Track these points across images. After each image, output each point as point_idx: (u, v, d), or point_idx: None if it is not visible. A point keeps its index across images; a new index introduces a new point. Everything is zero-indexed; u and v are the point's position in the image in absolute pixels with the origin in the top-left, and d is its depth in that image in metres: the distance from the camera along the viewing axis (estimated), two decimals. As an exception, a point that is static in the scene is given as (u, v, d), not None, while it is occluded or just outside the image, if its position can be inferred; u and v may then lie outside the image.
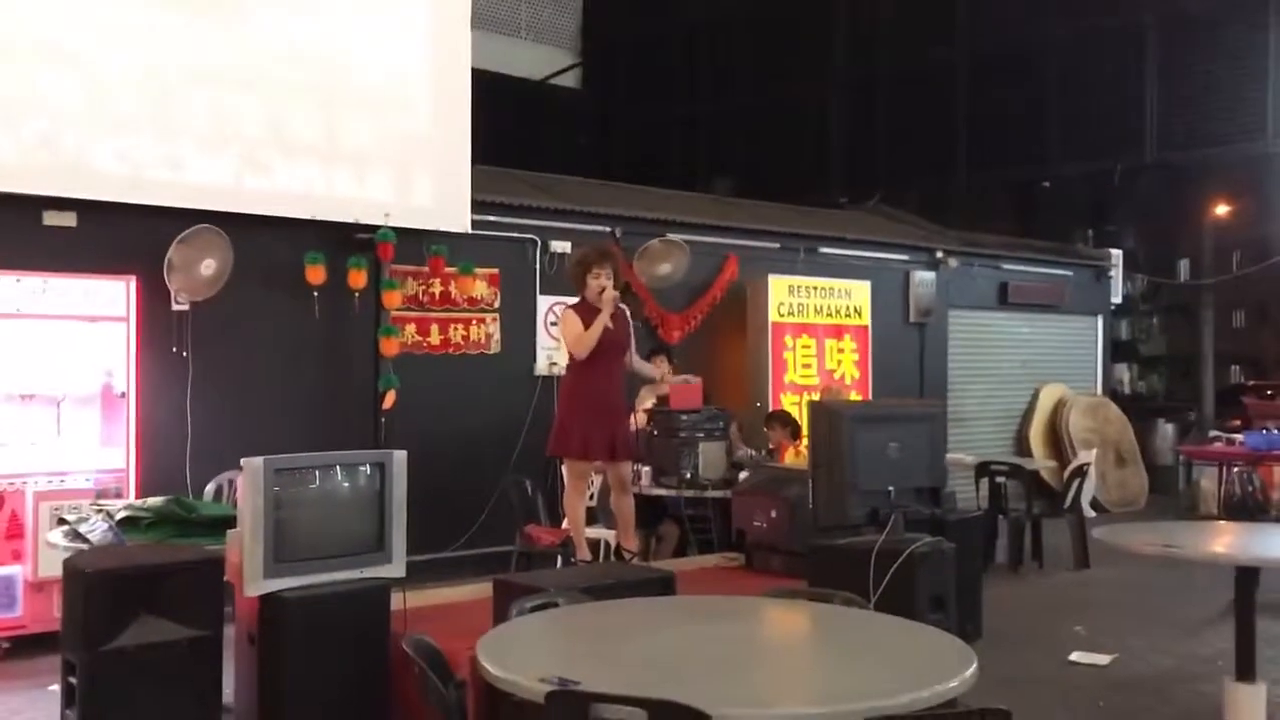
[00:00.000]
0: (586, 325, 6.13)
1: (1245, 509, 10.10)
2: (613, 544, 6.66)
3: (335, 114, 7.82)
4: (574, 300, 6.41)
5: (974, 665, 2.93)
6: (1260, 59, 12.90)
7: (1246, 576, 5.20)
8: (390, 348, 7.95)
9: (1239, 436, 11.87)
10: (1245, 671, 5.19)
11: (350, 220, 7.84)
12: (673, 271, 9.43)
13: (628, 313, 6.45)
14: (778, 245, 10.71)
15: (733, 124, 17.03)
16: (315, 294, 7.68)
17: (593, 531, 6.87)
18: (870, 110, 16.08)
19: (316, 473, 4.72)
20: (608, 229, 9.33)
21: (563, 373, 8.69)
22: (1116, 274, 13.83)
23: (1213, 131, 13.48)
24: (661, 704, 2.51)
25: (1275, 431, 11.73)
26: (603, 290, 6.15)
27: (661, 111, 17.54)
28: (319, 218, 7.68)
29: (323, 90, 7.77)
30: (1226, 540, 5.80)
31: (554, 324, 8.92)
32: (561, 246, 9.00)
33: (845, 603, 3.80)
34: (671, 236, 9.57)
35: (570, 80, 18.14)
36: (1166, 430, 15.33)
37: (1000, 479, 9.21)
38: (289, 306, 7.68)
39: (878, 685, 2.83)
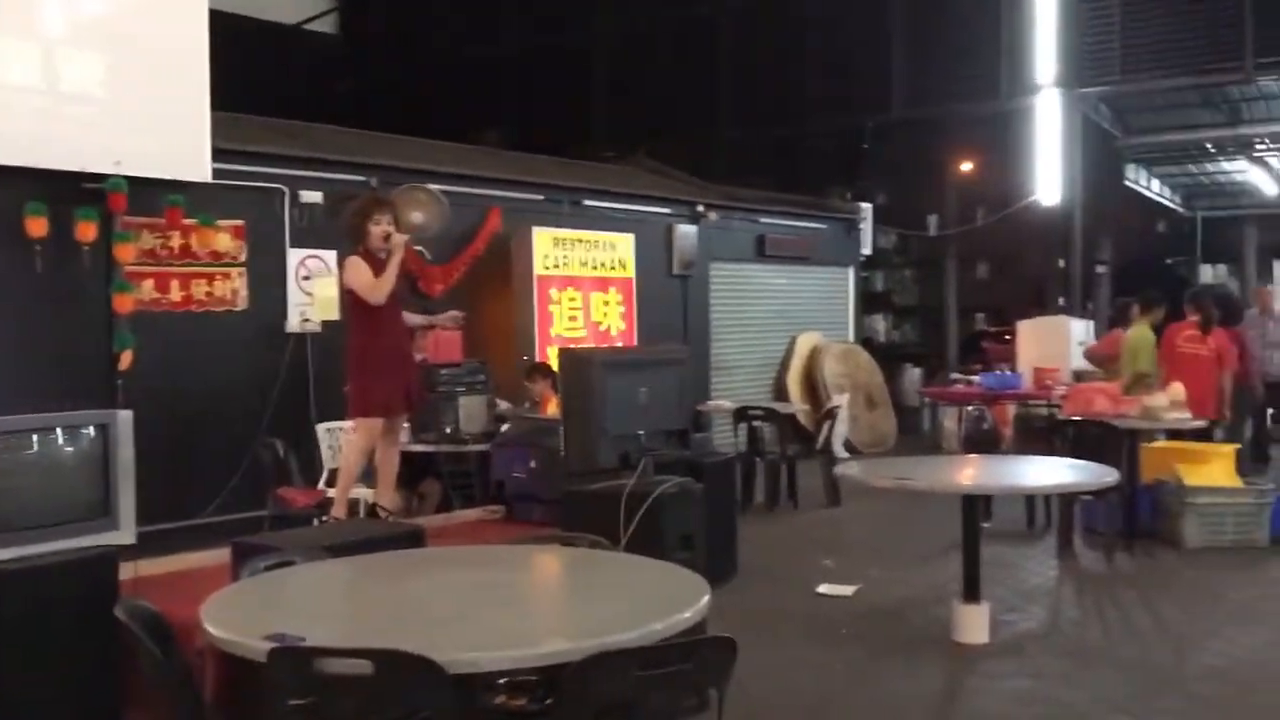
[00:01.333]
0: (376, 274, 5.94)
1: (981, 444, 10.79)
2: (370, 503, 6.50)
3: (56, 52, 7.22)
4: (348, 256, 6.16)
5: (706, 597, 2.99)
6: (993, 21, 13.68)
7: (971, 503, 5.56)
8: (124, 304, 7.46)
9: (976, 378, 12.70)
10: (971, 593, 5.57)
11: (76, 169, 7.27)
12: (426, 222, 9.17)
13: (413, 267, 6.28)
14: (542, 197, 10.66)
15: (499, 75, 16.81)
16: (38, 248, 7.11)
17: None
18: (636, 64, 16.19)
19: (34, 436, 4.38)
20: (363, 179, 9.03)
21: (318, 330, 8.49)
22: (867, 227, 14.46)
23: (954, 90, 14.24)
24: (387, 653, 2.45)
25: (1008, 373, 12.62)
26: (387, 236, 5.97)
27: (425, 61, 17.11)
28: (40, 165, 7.09)
29: (41, 25, 7.16)
30: (955, 472, 6.20)
31: (306, 278, 8.59)
32: (312, 197, 8.66)
33: (592, 545, 3.82)
34: (424, 185, 9.33)
35: (327, 25, 17.44)
36: (914, 374, 16.25)
37: (758, 423, 9.52)
38: (7, 261, 7.09)
39: (616, 621, 2.86)
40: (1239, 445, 8.98)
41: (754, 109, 15.30)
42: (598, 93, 16.43)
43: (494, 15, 17.00)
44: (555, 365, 8.85)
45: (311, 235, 8.62)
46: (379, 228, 6.01)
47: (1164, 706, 4.66)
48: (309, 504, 6.72)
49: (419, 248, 8.91)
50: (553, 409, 7.98)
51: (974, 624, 5.50)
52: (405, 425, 7.24)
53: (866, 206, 14.64)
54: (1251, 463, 10.44)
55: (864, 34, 14.50)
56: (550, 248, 10.21)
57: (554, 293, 10.25)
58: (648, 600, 3.15)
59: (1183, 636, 5.64)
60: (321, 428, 7.67)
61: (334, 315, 8.30)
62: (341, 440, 7.34)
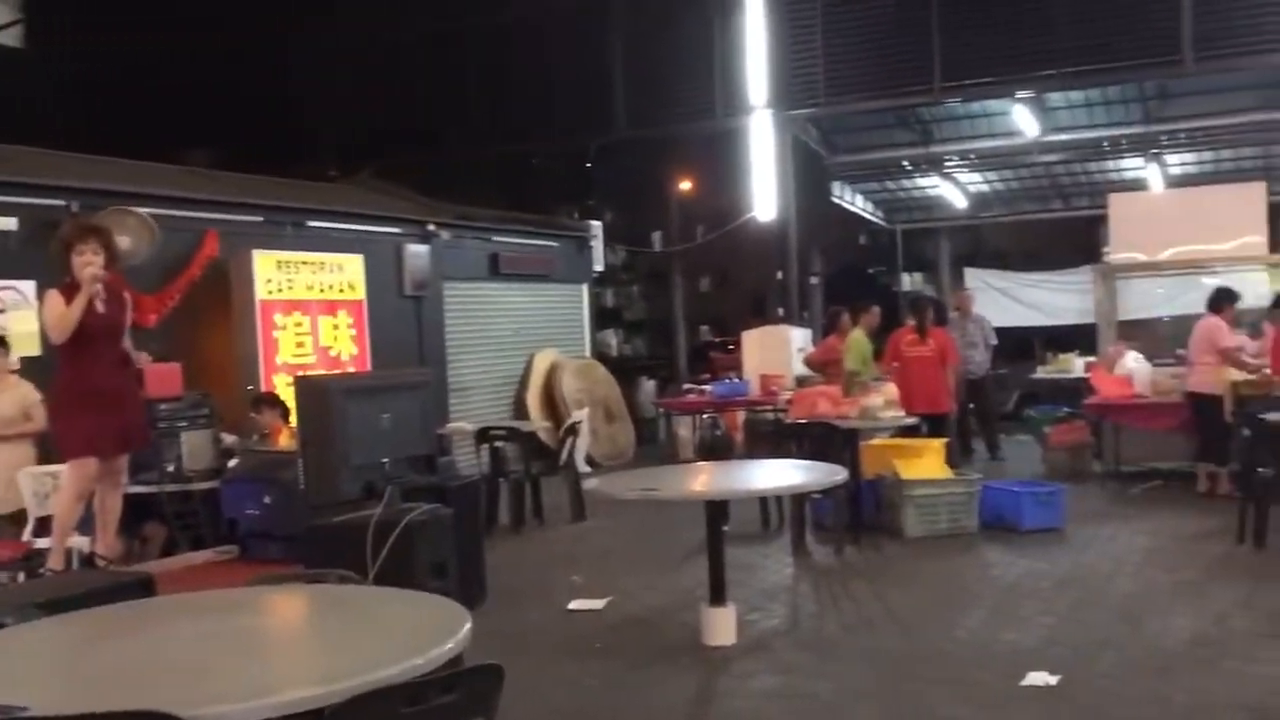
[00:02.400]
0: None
1: (716, 451, 11.16)
2: (85, 552, 6.00)
3: None
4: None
5: (467, 626, 2.92)
6: (706, 44, 14.21)
7: (714, 509, 5.71)
8: None
9: (708, 387, 13.14)
10: (718, 596, 5.72)
11: None
12: (134, 248, 8.58)
13: (128, 295, 5.86)
14: (262, 219, 10.20)
15: (209, 91, 15.96)
16: None
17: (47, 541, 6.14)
18: (357, 81, 15.78)
19: None
20: (63, 203, 8.37)
21: (17, 367, 7.77)
22: (597, 244, 14.69)
23: (673, 111, 14.69)
24: (123, 716, 2.24)
25: (737, 381, 13.12)
26: (91, 266, 5.54)
27: (122, 77, 16.02)
28: None
29: None
30: (696, 479, 6.36)
31: (1, 312, 7.86)
32: (7, 224, 7.94)
33: (340, 581, 3.67)
34: (131, 209, 8.74)
35: (11, 39, 16.06)
36: (648, 386, 16.64)
37: (500, 443, 9.46)
38: None
39: (373, 658, 2.74)
40: (948, 439, 9.69)
41: (481, 128, 15.24)
42: (318, 111, 15.90)
43: (196, 28, 16.14)
44: (284, 394, 8.51)
45: (7, 265, 7.89)
46: (81, 258, 5.60)
47: (903, 690, 4.94)
48: (11, 557, 6.13)
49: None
50: (285, 440, 7.64)
51: (722, 626, 5.66)
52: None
53: (596, 224, 14.87)
54: (960, 455, 11.32)
55: (586, 55, 14.74)
56: (273, 271, 9.79)
57: (279, 318, 9.83)
58: (405, 634, 3.05)
59: (911, 622, 6.01)
60: (24, 473, 7.01)
61: (35, 351, 7.62)
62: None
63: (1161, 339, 11.50)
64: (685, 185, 24.08)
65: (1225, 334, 9.40)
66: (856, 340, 10.41)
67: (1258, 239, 10.89)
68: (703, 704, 4.95)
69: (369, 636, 3.09)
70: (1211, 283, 10.59)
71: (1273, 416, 7.75)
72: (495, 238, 13.03)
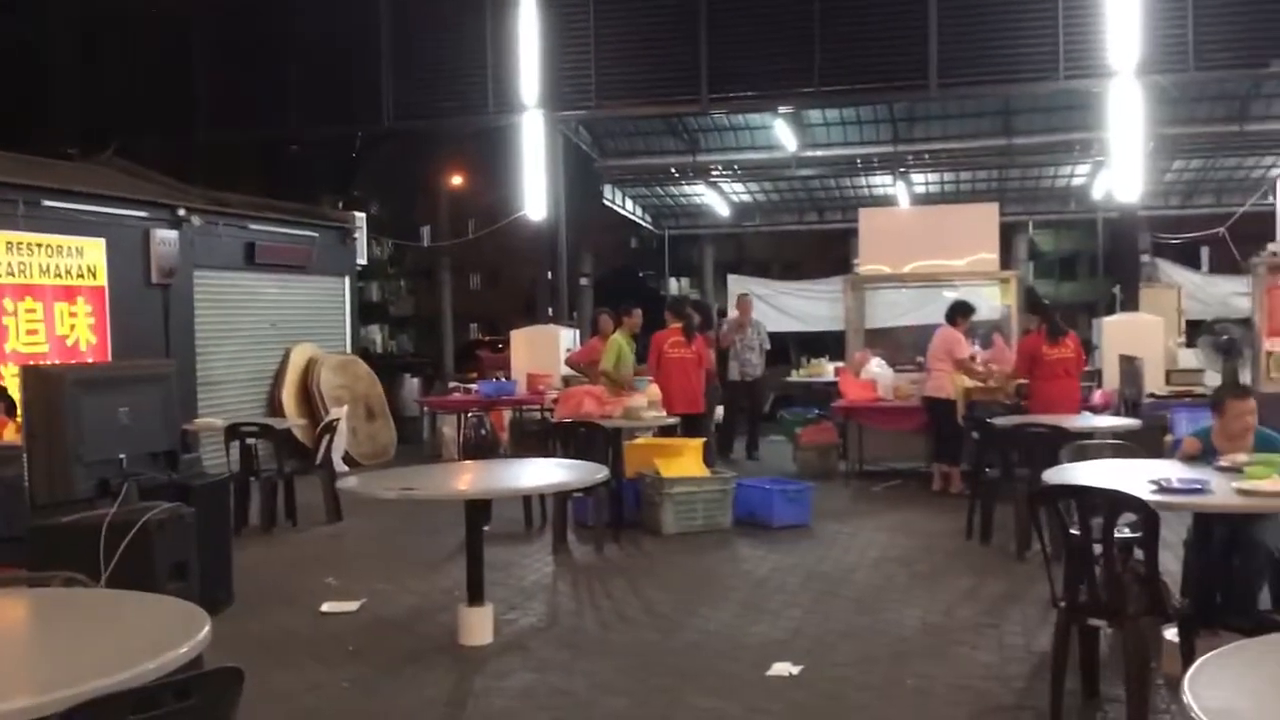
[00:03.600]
0: None
1: (480, 450, 11.09)
2: None
3: None
4: None
5: (206, 628, 2.80)
6: (479, 40, 14.09)
7: (473, 508, 5.67)
8: None
9: (474, 386, 13.04)
10: (475, 596, 5.68)
11: None
12: None
13: None
14: (-11, 196, 9.42)
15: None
16: None
17: None
18: (101, 54, 14.81)
19: None
20: None
21: None
22: (361, 236, 14.32)
23: (442, 105, 14.49)
24: None
25: (504, 380, 13.08)
26: None
27: None
28: None
29: None
30: (457, 478, 6.30)
31: None
32: None
33: (67, 583, 3.44)
34: None
35: None
36: (413, 384, 16.36)
37: (251, 440, 9.08)
38: None
39: (101, 664, 2.57)
40: (706, 439, 9.96)
41: (239, 110, 14.59)
42: (55, 84, 14.82)
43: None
44: (12, 386, 7.89)
45: None
46: None
47: (655, 684, 5.04)
48: None
49: None
50: (10, 435, 7.09)
51: (478, 626, 5.62)
52: None
53: (360, 216, 14.48)
54: (718, 454, 11.67)
55: (354, 41, 14.34)
56: (3, 253, 9.07)
57: (9, 303, 9.12)
58: (137, 638, 2.89)
59: (666, 617, 6.14)
60: None
61: None
62: None
63: (906, 346, 12.23)
64: (457, 181, 23.85)
65: (960, 344, 10.07)
66: (616, 342, 10.56)
67: (990, 256, 11.72)
68: (456, 705, 4.90)
69: (96, 641, 2.92)
70: (952, 295, 11.34)
71: (999, 421, 8.37)
72: (252, 226, 12.49)
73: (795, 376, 15.17)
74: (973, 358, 10.21)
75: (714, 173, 18.28)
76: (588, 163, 16.89)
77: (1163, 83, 12.56)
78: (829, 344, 15.54)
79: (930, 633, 5.77)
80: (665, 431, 9.41)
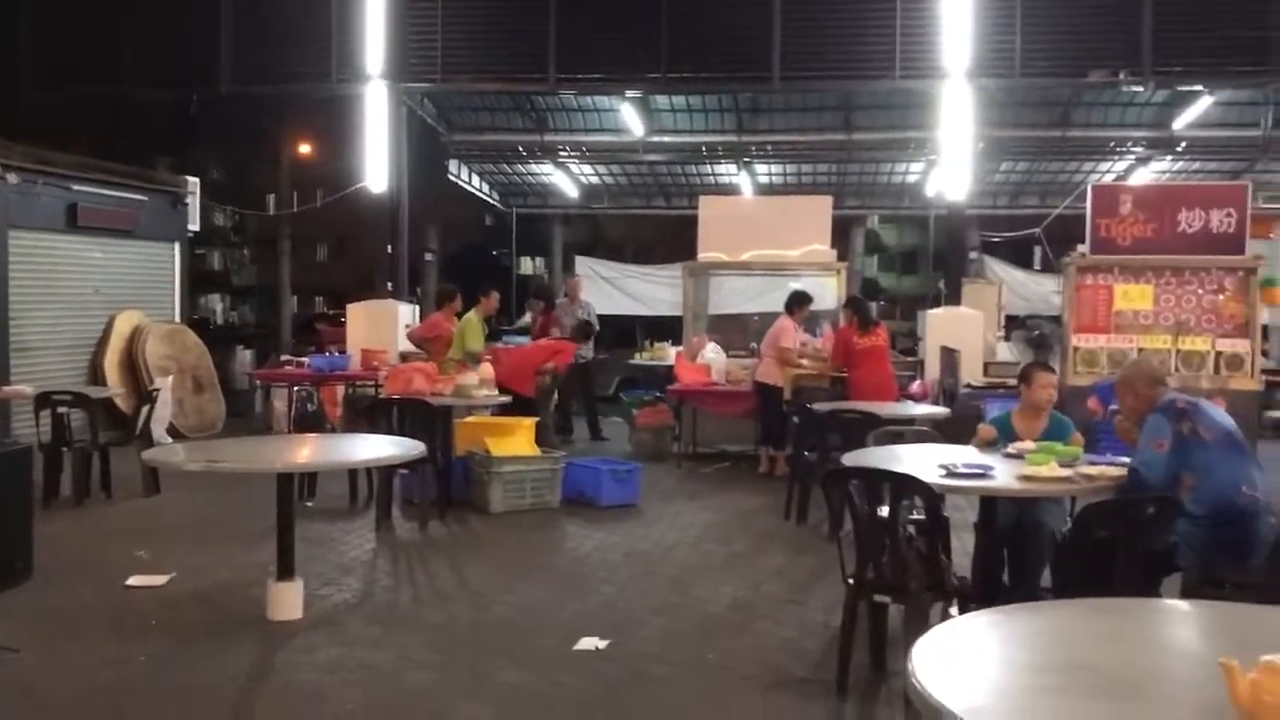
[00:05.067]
0: None
1: (309, 425, 10.92)
2: None
3: None
4: None
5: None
6: (323, 5, 13.76)
7: (285, 482, 5.60)
8: None
9: (305, 360, 12.79)
10: (285, 570, 5.62)
11: None
12: None
13: None
14: None
15: None
16: None
17: None
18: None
19: None
20: None
21: None
22: (194, 202, 13.85)
23: (285, 70, 14.12)
24: None
25: (338, 354, 12.87)
26: None
27: None
28: None
29: None
30: (271, 452, 6.20)
31: None
32: None
33: None
34: None
35: None
36: (245, 356, 15.94)
37: (64, 409, 8.73)
38: None
39: None
40: (540, 419, 10.02)
41: (65, 65, 13.92)
42: None
43: None
44: None
45: None
46: None
47: (462, 658, 5.08)
48: None
49: None
50: None
51: (287, 601, 5.56)
52: None
53: (194, 180, 14.00)
54: (558, 434, 11.75)
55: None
56: None
57: None
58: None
59: (482, 594, 6.18)
60: None
61: None
62: None
63: (751, 333, 12.51)
64: (304, 149, 23.22)
65: (788, 333, 10.35)
66: (470, 322, 10.51)
67: (823, 247, 12.06)
68: (257, 679, 4.84)
69: None
70: (796, 285, 11.65)
71: (817, 407, 8.66)
72: (75, 187, 11.95)
73: (639, 359, 15.35)
74: (791, 349, 10.48)
75: (562, 153, 18.29)
76: (433, 137, 16.69)
77: (991, 87, 13.12)
78: (674, 328, 15.76)
79: (738, 609, 5.96)
80: (505, 411, 9.45)
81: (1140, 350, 10.28)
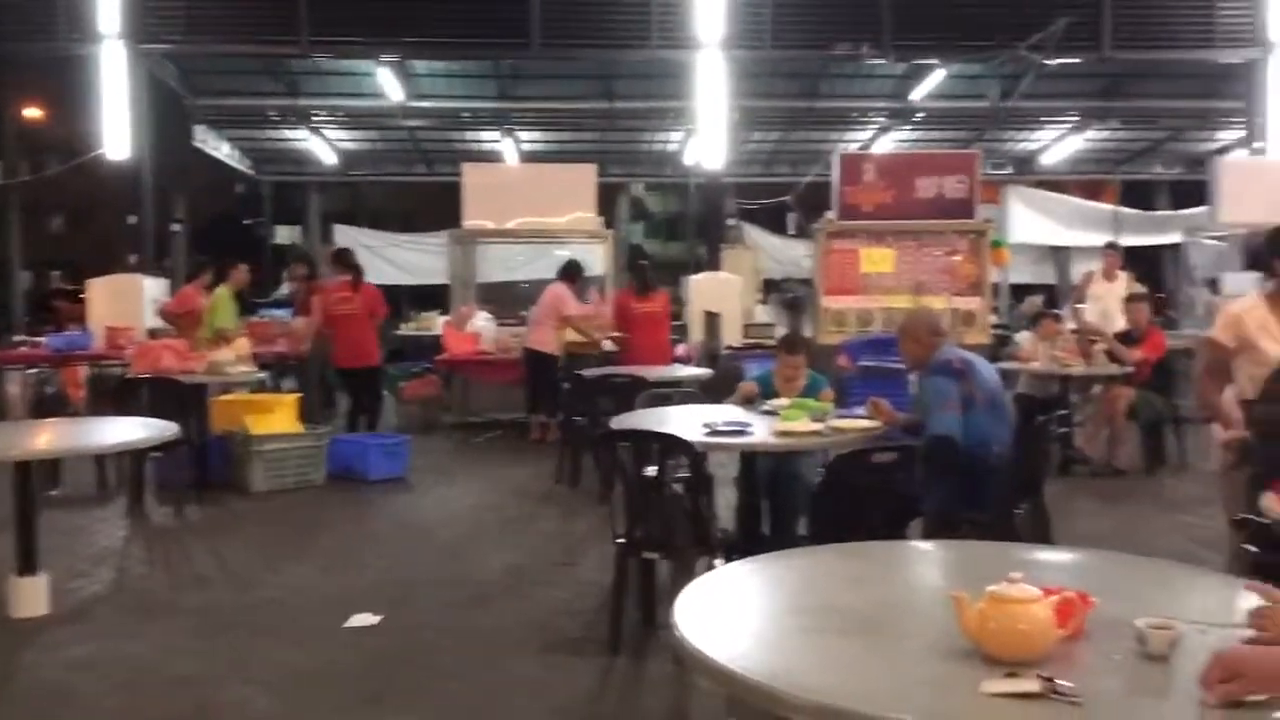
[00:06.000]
0: None
1: (49, 409, 10.19)
2: None
3: None
4: None
5: None
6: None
7: (23, 471, 5.25)
8: None
9: (42, 339, 11.93)
10: (27, 565, 5.27)
11: None
12: None
13: None
14: None
15: None
16: None
17: None
18: None
19: None
20: None
21: None
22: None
23: (6, 27, 13.03)
24: None
25: (79, 333, 12.06)
26: None
27: None
28: None
29: None
30: (5, 439, 5.78)
31: None
32: None
33: None
34: None
35: None
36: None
37: None
38: None
39: None
40: (304, 394, 9.73)
41: None
42: None
43: None
44: None
45: None
46: None
47: (228, 642, 4.91)
48: None
49: None
50: None
51: (31, 597, 5.23)
52: None
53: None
54: (323, 409, 11.42)
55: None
56: None
57: None
58: None
59: (245, 576, 5.98)
60: None
61: None
62: None
63: (520, 301, 12.49)
64: (34, 112, 21.50)
65: (568, 301, 10.41)
66: (220, 298, 10.05)
67: (588, 215, 12.18)
68: (2, 680, 4.54)
69: None
70: (564, 253, 11.71)
71: (587, 372, 8.78)
72: None
73: (404, 330, 15.09)
74: (581, 315, 10.57)
75: (316, 118, 17.65)
76: (176, 101, 15.78)
77: (743, 58, 13.53)
78: (441, 298, 15.57)
79: (512, 575, 6.00)
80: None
81: (885, 310, 10.90)
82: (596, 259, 12.57)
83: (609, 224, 13.94)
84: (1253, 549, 3.65)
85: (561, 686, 4.42)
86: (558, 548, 6.61)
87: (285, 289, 16.10)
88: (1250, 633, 2.05)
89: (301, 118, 17.55)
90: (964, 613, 2.08)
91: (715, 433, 5.03)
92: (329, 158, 19.71)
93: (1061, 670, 1.97)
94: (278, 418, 8.54)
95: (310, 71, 15.95)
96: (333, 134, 18.91)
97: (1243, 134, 14.60)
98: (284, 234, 25.91)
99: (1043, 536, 4.89)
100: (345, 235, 19.87)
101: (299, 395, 9.41)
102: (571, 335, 10.48)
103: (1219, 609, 2.28)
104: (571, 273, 10.59)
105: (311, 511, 7.71)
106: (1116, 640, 2.12)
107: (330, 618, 5.21)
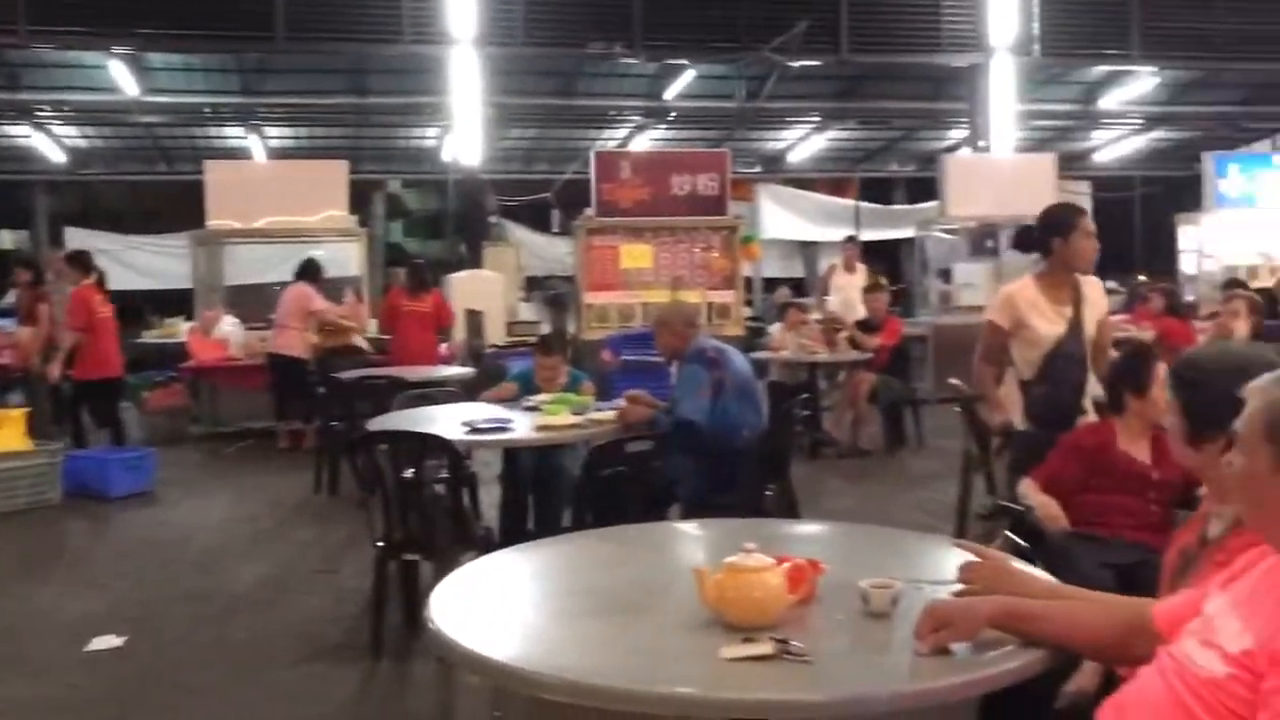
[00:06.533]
0: None
1: None
2: None
3: None
4: None
5: None
6: None
7: None
8: None
9: None
10: None
11: None
12: None
13: None
14: None
15: None
16: None
17: None
18: None
19: None
20: None
21: None
22: None
23: None
24: None
25: None
26: None
27: None
28: None
29: None
30: None
31: None
32: None
33: None
34: None
35: None
36: None
37: None
38: None
39: None
40: (32, 409, 9.06)
41: None
42: None
43: None
44: None
45: None
46: None
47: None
48: None
49: None
50: None
51: None
52: None
53: None
54: (56, 424, 10.66)
55: None
56: None
57: None
58: None
59: (-31, 604, 5.55)
60: None
61: None
62: None
63: (270, 304, 11.99)
64: None
65: (313, 299, 10.10)
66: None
67: (340, 213, 11.88)
68: None
69: None
70: (319, 253, 11.35)
71: (344, 375, 8.57)
72: None
73: (147, 338, 14.26)
74: (328, 311, 10.28)
75: (40, 113, 16.41)
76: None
77: (497, 55, 13.51)
78: (188, 303, 14.79)
79: (267, 586, 5.81)
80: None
81: (645, 305, 11.13)
82: (351, 259, 12.27)
83: (364, 222, 13.64)
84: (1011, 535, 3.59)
85: (321, 695, 4.32)
86: (316, 555, 6.44)
87: (11, 296, 14.94)
88: (960, 587, 2.23)
89: (23, 113, 16.29)
90: (704, 585, 2.17)
91: (475, 430, 5.03)
92: (57, 156, 18.37)
93: (794, 632, 2.09)
94: (5, 434, 7.92)
95: (32, 64, 14.83)
96: (60, 130, 17.64)
97: (967, 133, 15.68)
98: (6, 238, 23.99)
99: (790, 515, 5.12)
100: (78, 238, 18.56)
101: (28, 410, 8.75)
102: (324, 338, 10.17)
103: (935, 568, 2.46)
104: (310, 272, 10.30)
105: (47, 533, 7.21)
106: (844, 602, 2.27)
107: (69, 643, 4.90)
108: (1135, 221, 21.04)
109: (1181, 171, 18.41)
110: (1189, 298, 11.90)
